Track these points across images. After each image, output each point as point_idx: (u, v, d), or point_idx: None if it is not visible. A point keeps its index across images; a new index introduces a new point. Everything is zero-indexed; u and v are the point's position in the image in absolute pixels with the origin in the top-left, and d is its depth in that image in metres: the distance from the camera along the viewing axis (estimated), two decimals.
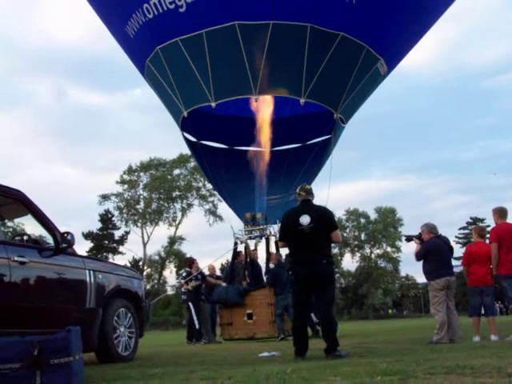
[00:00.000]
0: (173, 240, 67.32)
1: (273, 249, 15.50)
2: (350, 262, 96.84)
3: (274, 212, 15.91)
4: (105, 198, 64.73)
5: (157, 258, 69.06)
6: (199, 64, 14.23)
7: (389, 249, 79.98)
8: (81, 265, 7.16)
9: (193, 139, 16.76)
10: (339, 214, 76.71)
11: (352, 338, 12.46)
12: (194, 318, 14.47)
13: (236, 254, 15.69)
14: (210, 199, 63.15)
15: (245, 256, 15.48)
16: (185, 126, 16.01)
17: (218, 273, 18.47)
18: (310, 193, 7.45)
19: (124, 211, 65.23)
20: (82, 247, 61.36)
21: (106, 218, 65.30)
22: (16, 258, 6.19)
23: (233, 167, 16.64)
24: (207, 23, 13.69)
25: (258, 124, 15.61)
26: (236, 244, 15.72)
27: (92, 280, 7.16)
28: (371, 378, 4.09)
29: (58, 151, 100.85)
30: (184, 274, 15.44)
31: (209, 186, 58.29)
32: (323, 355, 6.85)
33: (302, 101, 14.58)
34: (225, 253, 16.68)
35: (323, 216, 7.27)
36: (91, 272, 7.19)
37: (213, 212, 64.19)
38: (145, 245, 65.37)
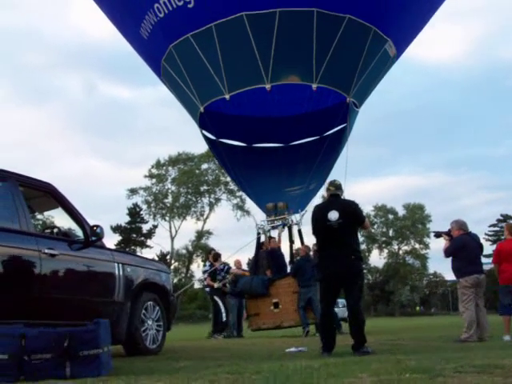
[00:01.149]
0: (200, 234, 67.58)
1: (296, 237, 15.69)
2: (377, 258, 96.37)
3: (295, 202, 16.04)
4: (133, 191, 65.25)
5: (184, 252, 69.49)
6: (211, 58, 14.29)
7: (417, 245, 79.57)
8: (110, 258, 7.21)
9: (212, 137, 16.84)
10: (367, 209, 76.38)
11: (379, 334, 12.40)
12: (222, 309, 14.54)
13: (259, 244, 15.78)
14: (238, 194, 63.06)
15: (267, 245, 15.52)
16: (203, 123, 16.07)
17: (245, 267, 18.49)
18: (339, 188, 7.41)
19: (152, 205, 65.64)
20: (111, 240, 61.97)
21: (134, 212, 65.83)
22: (46, 251, 6.25)
23: (252, 163, 16.69)
24: (215, 16, 13.74)
25: (275, 122, 15.71)
26: (259, 234, 15.86)
27: (121, 273, 7.21)
28: (399, 375, 4.06)
29: (87, 145, 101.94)
30: (207, 267, 15.52)
31: None
32: (350, 351, 6.82)
33: (314, 86, 14.55)
34: (245, 244, 16.74)
35: (351, 211, 7.23)
36: (120, 265, 7.24)
37: (240, 207, 64.28)
38: (172, 239, 65.77)
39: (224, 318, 14.47)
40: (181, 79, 15.32)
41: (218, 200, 66.37)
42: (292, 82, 14.93)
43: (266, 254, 15.26)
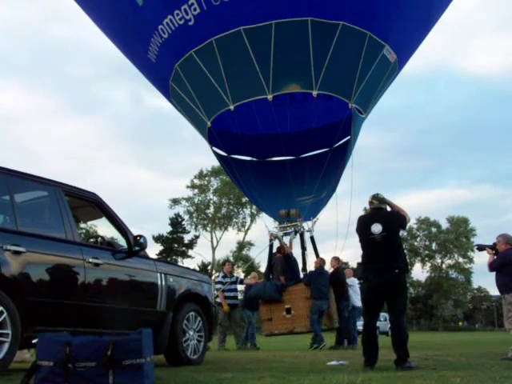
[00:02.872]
0: (241, 245, 67.60)
1: (308, 243, 16.17)
2: (420, 272, 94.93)
3: (306, 210, 16.44)
4: (175, 202, 65.65)
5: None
6: (214, 72, 14.64)
7: (460, 259, 78.12)
8: (153, 268, 7.27)
9: (222, 153, 17.19)
10: (410, 222, 75.35)
11: (422, 349, 12.21)
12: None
13: (272, 250, 15.99)
14: None
15: (284, 251, 15.60)
16: (213, 140, 16.48)
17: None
18: (382, 201, 7.32)
19: (194, 215, 65.94)
20: (152, 250, 62.40)
21: (176, 222, 66.18)
22: (91, 260, 6.35)
23: (263, 176, 17.04)
24: (215, 31, 14.13)
25: (284, 138, 15.97)
26: (271, 241, 16.12)
27: (163, 283, 7.25)
28: None
29: (132, 155, 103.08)
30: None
31: None
32: (393, 366, 6.73)
33: (314, 93, 14.81)
34: (259, 253, 17.42)
35: (396, 223, 7.15)
36: (163, 275, 7.29)
37: None
38: (214, 249, 65.92)
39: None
40: (188, 97, 15.73)
41: (259, 211, 66.37)
42: (293, 90, 15.26)
43: (281, 260, 15.31)
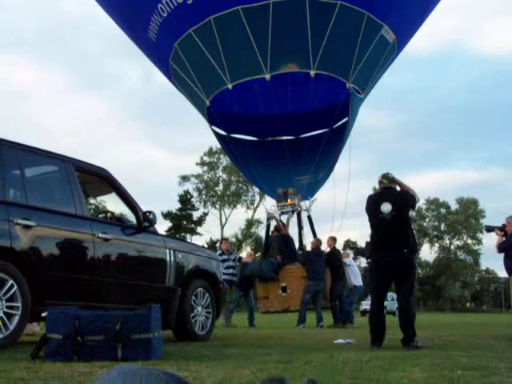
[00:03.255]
0: (250, 223, 67.74)
1: (306, 224, 16.48)
2: (428, 253, 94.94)
3: (304, 190, 16.67)
4: (185, 179, 65.85)
5: (234, 240, 69.76)
6: (212, 51, 14.72)
7: (469, 240, 78.20)
8: (162, 244, 7.29)
9: (222, 132, 17.30)
10: (419, 203, 75.19)
11: (429, 329, 12.24)
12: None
13: (269, 229, 16.26)
14: None
15: (282, 230, 15.75)
16: (212, 119, 16.53)
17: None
18: (392, 181, 7.28)
19: (203, 192, 66.10)
20: (161, 227, 62.60)
21: (185, 199, 66.32)
22: (100, 235, 6.37)
23: (262, 155, 17.13)
24: (213, 10, 14.15)
25: (283, 119, 16.02)
26: (269, 220, 16.48)
27: (172, 259, 7.28)
28: (451, 371, 4.00)
29: (142, 132, 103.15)
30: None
31: None
32: (400, 345, 6.75)
33: (312, 73, 14.88)
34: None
35: (406, 203, 7.13)
36: (171, 251, 7.31)
37: None
38: (222, 226, 66.10)
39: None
40: (187, 76, 15.78)
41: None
42: (290, 70, 15.29)
43: (279, 239, 15.35)
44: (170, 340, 7.09)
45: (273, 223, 16.21)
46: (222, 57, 14.70)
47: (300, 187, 16.63)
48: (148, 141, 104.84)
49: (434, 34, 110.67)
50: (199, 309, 7.69)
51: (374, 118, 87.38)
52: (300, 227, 16.45)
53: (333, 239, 14.76)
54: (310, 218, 16.48)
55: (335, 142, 16.46)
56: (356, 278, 14.99)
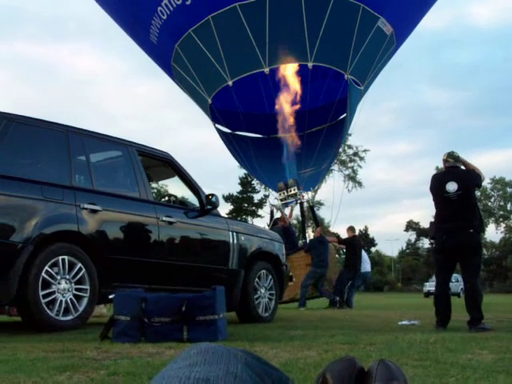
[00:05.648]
0: (311, 205, 67.48)
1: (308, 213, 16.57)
2: (493, 233, 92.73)
3: (306, 182, 17.11)
4: None
5: (295, 222, 69.73)
6: (212, 49, 15.04)
7: None
8: (224, 226, 7.33)
9: (226, 130, 17.62)
10: (484, 182, 73.48)
11: (496, 311, 11.98)
12: None
13: (272, 220, 16.50)
14: (350, 165, 62.26)
15: (284, 221, 15.85)
16: (215, 117, 16.87)
17: None
18: (458, 160, 7.10)
19: None
20: (223, 210, 63.17)
21: (245, 182, 66.56)
22: (164, 218, 6.46)
23: (266, 151, 17.46)
24: (211, 9, 14.46)
25: (286, 117, 16.34)
26: (272, 211, 16.98)
27: (235, 241, 7.32)
28: None
29: (203, 116, 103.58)
30: None
31: (349, 151, 58.18)
32: (466, 327, 6.63)
33: (309, 65, 15.12)
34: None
35: (472, 182, 6.94)
36: (234, 234, 7.35)
37: (352, 177, 63.37)
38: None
39: None
40: (189, 75, 16.14)
41: (329, 171, 65.87)
42: (288, 63, 15.57)
43: (281, 231, 15.35)
44: (233, 321, 7.15)
45: (276, 215, 16.62)
46: (221, 54, 15.06)
47: (301, 179, 16.89)
48: (208, 125, 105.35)
49: (505, 8, 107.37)
50: (262, 291, 7.73)
51: (441, 95, 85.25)
52: (303, 217, 17.23)
53: (351, 229, 15.03)
54: (312, 208, 16.99)
55: (336, 134, 16.89)
56: (363, 264, 14.93)
